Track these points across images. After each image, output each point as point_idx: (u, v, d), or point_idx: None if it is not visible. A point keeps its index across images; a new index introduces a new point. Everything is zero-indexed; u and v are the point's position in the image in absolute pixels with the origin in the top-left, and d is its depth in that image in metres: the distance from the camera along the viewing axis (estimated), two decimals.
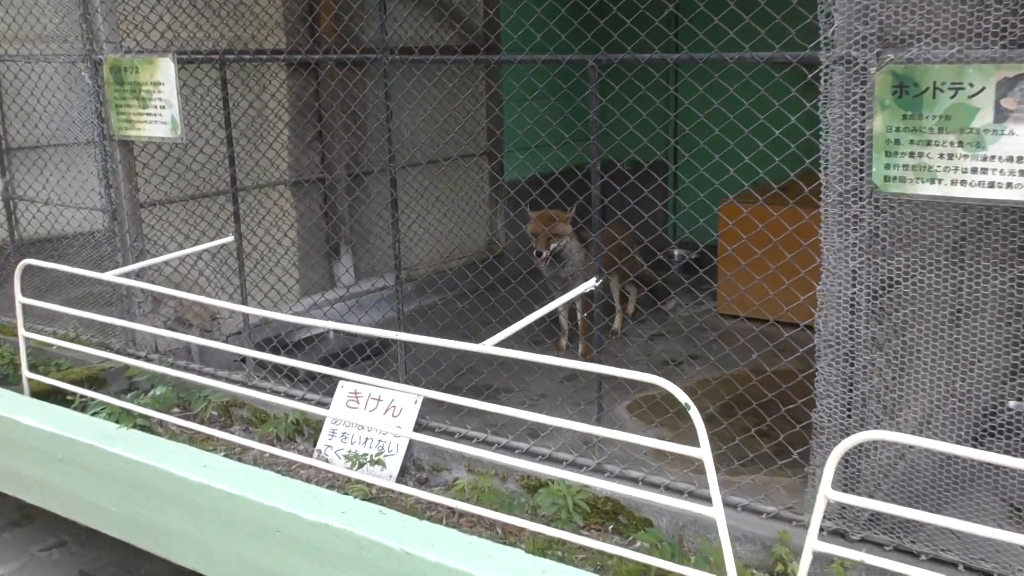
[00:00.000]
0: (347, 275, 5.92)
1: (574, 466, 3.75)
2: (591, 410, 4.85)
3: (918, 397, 3.27)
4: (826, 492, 2.55)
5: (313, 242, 5.79)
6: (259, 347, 4.77)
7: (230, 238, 4.37)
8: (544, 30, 5.07)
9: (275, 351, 4.24)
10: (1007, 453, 4.08)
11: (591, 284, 3.58)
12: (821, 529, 3.31)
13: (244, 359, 4.58)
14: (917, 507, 3.33)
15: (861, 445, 3.15)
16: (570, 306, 5.86)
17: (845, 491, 3.23)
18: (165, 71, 4.19)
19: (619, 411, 4.99)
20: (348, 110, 5.65)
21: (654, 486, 3.58)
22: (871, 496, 3.29)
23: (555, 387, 5.34)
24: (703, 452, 2.71)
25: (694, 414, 2.70)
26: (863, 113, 2.90)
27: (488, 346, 3.09)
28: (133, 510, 3.65)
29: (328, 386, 4.36)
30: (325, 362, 5.36)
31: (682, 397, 2.72)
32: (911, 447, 3.45)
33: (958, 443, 3.99)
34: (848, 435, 3.18)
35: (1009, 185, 2.73)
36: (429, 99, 5.99)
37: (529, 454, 3.86)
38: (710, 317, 6.35)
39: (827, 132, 2.97)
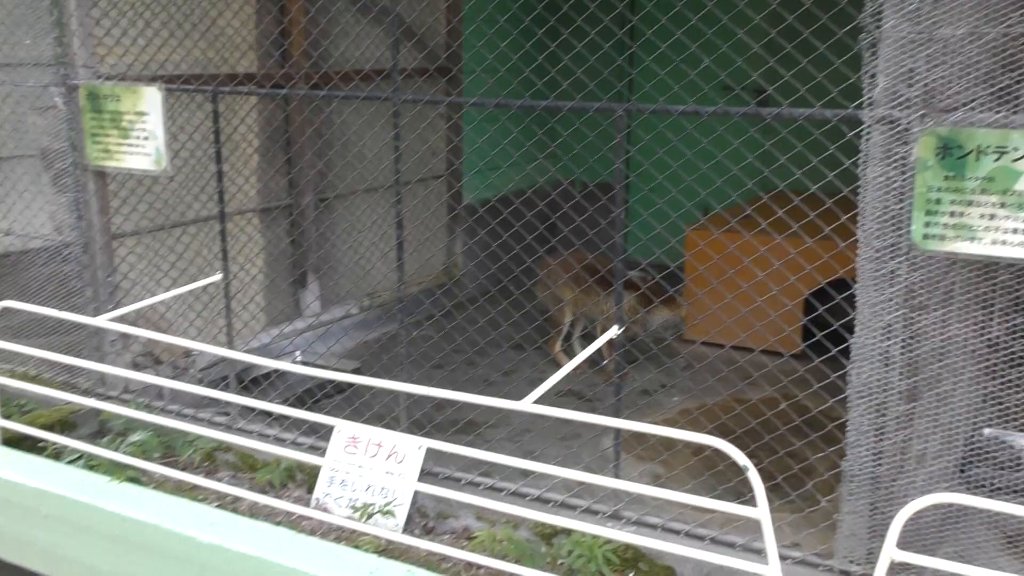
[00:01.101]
0: (314, 303, 5.75)
1: (589, 512, 3.71)
2: (579, 444, 4.85)
3: (941, 446, 3.35)
4: (891, 553, 2.58)
5: (280, 270, 5.61)
6: (226, 383, 4.58)
7: (218, 276, 4.17)
8: (508, 64, 5.04)
9: (243, 386, 4.07)
10: (985, 479, 4.24)
11: (614, 332, 3.55)
12: (845, 573, 3.36)
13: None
14: (922, 545, 3.42)
15: (891, 496, 3.22)
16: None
17: (871, 537, 3.29)
18: (151, 101, 3.97)
19: (607, 448, 4.97)
20: (319, 135, 5.50)
21: (674, 532, 3.57)
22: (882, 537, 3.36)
23: (537, 419, 5.29)
24: (761, 513, 2.70)
25: (753, 476, 2.69)
26: (903, 173, 2.95)
27: (528, 404, 3.02)
28: (131, 570, 3.45)
29: (311, 424, 4.20)
30: (299, 398, 5.21)
31: (741, 460, 2.71)
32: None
33: (948, 475, 4.12)
34: (878, 483, 3.24)
35: None
36: (389, 126, 5.88)
37: (540, 500, 3.80)
38: (677, 342, 6.40)
39: (866, 190, 3.01)
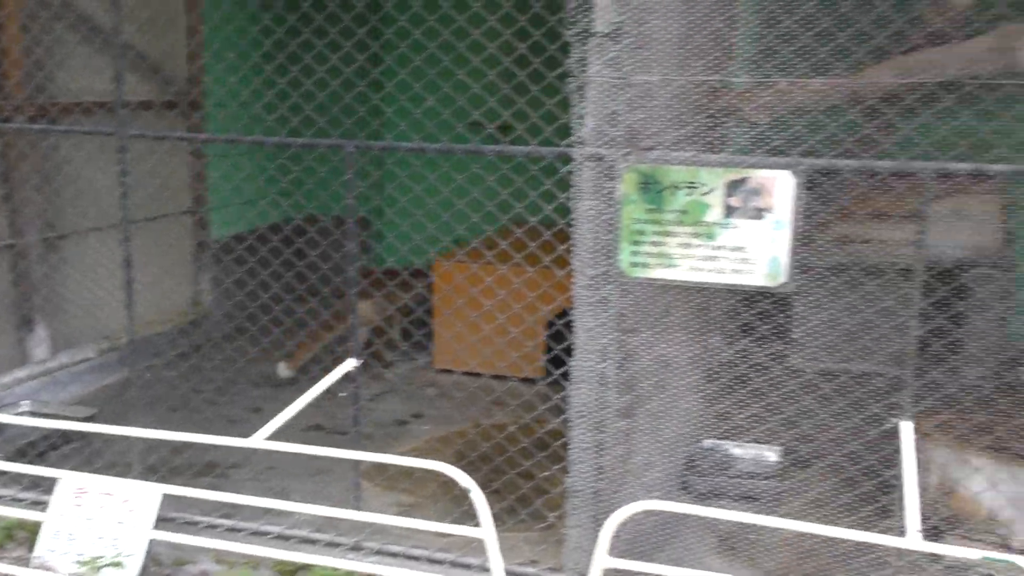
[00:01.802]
0: (42, 348, 5.38)
1: (332, 545, 3.70)
2: (328, 478, 4.81)
3: (656, 458, 3.61)
4: (603, 561, 2.75)
5: (1, 313, 5.21)
6: None
7: None
8: (252, 94, 5.00)
9: None
10: (703, 486, 4.61)
11: (352, 363, 3.58)
12: None
13: None
14: (642, 552, 3.67)
15: (612, 508, 3.43)
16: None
17: (587, 548, 3.49)
18: None
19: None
20: (38, 171, 5.19)
21: (414, 559, 3.64)
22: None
23: (283, 455, 5.20)
24: (485, 533, 2.81)
25: (476, 497, 2.80)
26: (611, 206, 3.19)
27: (258, 440, 2.99)
28: None
29: (34, 478, 3.94)
30: (20, 451, 4.84)
31: (465, 482, 2.81)
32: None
33: (670, 484, 4.44)
34: (600, 497, 3.45)
35: (735, 271, 3.12)
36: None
37: (281, 538, 3.76)
38: (427, 373, 6.50)
39: (579, 222, 3.23)
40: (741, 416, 4.70)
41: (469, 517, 3.84)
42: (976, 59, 3.89)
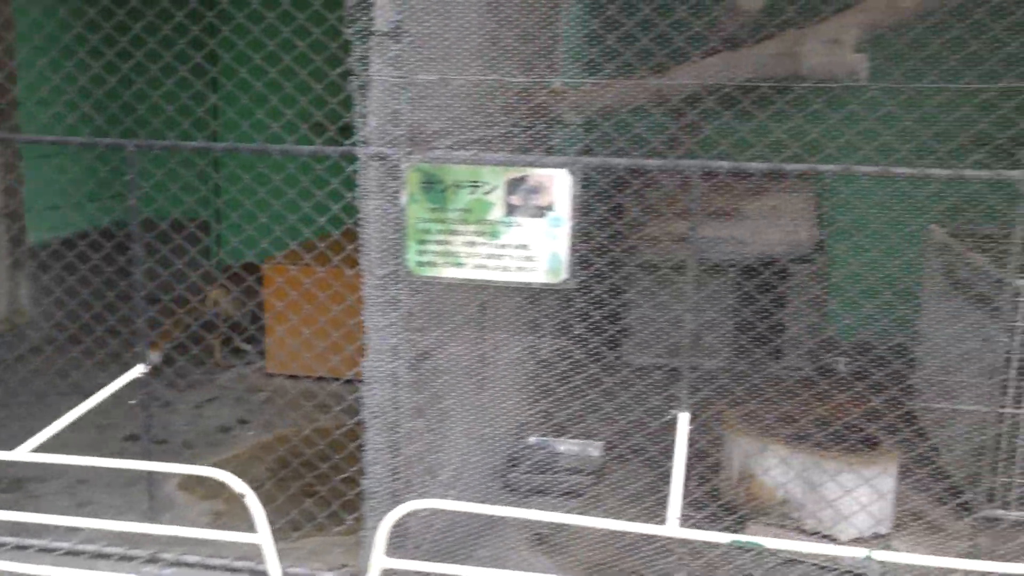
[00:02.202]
0: None
1: (126, 559, 3.58)
2: (139, 489, 4.65)
3: (451, 456, 3.63)
4: (379, 562, 2.74)
5: None
6: None
7: None
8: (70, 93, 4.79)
9: None
10: (530, 482, 4.66)
11: (139, 370, 3.47)
12: None
13: None
14: (461, 552, 3.69)
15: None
16: None
17: (396, 548, 3.48)
18: None
19: (169, 490, 4.81)
20: None
21: (211, 568, 3.55)
22: (418, 548, 3.58)
23: (95, 470, 5.01)
24: (262, 538, 2.76)
25: (251, 502, 2.75)
26: (396, 205, 3.19)
27: (22, 453, 2.86)
28: None
29: None
30: None
31: (239, 487, 2.76)
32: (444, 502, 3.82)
33: (489, 484, 4.48)
34: (397, 497, 3.45)
35: (519, 269, 3.16)
36: None
37: (72, 553, 3.61)
38: (259, 377, 6.37)
39: (366, 221, 3.21)
40: (562, 414, 4.78)
41: (304, 521, 3.80)
42: (765, 63, 4.06)
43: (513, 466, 4.74)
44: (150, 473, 3.60)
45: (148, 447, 3.54)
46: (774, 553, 3.58)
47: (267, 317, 6.24)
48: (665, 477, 4.66)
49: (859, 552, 2.38)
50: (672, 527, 2.56)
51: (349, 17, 3.04)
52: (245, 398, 5.98)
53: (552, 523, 4.27)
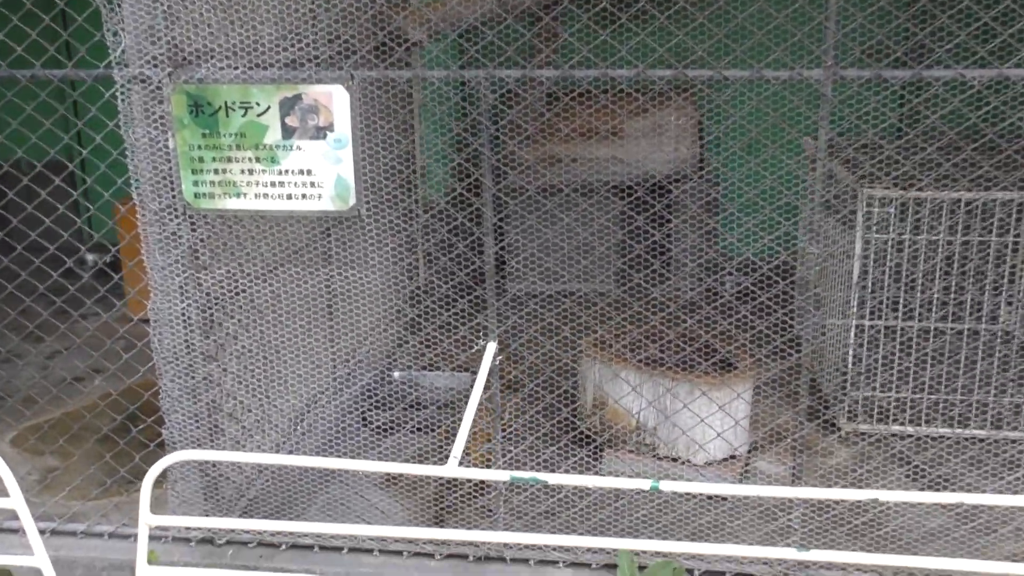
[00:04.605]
0: None
1: None
2: None
3: (259, 399, 3.41)
4: (146, 519, 2.54)
5: None
6: None
7: None
8: None
9: None
10: (390, 422, 4.48)
11: None
12: (188, 540, 3.34)
13: None
14: (293, 505, 3.50)
15: (213, 463, 3.22)
16: None
17: (209, 505, 3.29)
18: None
19: (3, 446, 4.56)
20: None
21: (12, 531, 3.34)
22: (236, 504, 3.39)
23: None
24: (15, 503, 2.53)
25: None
26: (165, 132, 2.91)
27: None
28: None
29: None
30: None
31: None
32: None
33: (346, 420, 4.28)
34: (200, 446, 3.23)
35: (304, 196, 2.91)
36: None
37: None
38: (123, 324, 6.07)
39: (133, 152, 2.93)
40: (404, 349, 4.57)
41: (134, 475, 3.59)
42: None
43: (373, 406, 4.55)
44: None
45: None
46: (552, 487, 3.44)
47: (123, 262, 5.93)
48: (542, 410, 4.53)
49: (644, 484, 2.23)
50: (451, 467, 2.38)
51: None
52: (102, 347, 5.69)
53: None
